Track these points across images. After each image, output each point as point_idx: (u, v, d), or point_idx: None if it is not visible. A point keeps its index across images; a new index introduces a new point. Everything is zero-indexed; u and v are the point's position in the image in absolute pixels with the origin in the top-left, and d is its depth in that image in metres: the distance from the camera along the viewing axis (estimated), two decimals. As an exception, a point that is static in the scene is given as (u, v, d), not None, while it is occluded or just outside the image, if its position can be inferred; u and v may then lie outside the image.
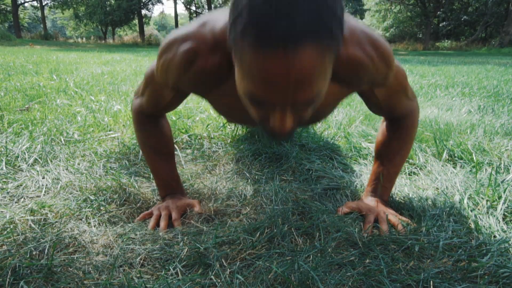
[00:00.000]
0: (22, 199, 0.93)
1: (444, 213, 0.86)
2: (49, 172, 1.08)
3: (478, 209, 0.88)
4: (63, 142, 1.37)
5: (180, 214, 0.88)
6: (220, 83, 0.68)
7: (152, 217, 0.86)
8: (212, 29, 0.64)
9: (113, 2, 24.05)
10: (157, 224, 0.83)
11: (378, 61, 0.67)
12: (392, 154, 0.89)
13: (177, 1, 26.46)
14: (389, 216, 0.85)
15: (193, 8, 26.58)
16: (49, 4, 25.54)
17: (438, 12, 21.36)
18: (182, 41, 0.66)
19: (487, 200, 0.91)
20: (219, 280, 0.63)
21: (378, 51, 0.67)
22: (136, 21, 26.78)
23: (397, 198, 0.97)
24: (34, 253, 0.69)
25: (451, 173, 1.11)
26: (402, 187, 1.03)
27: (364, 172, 1.16)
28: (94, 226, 0.80)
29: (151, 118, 0.90)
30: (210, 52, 0.64)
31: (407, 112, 0.85)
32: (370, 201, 0.91)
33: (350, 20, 0.66)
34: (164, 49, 0.69)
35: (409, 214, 0.88)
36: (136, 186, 1.02)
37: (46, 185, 1.00)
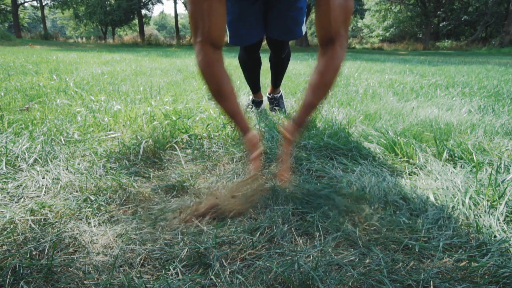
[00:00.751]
0: (22, 199, 0.93)
1: (444, 213, 0.86)
2: (49, 172, 1.08)
3: (479, 209, 0.88)
4: (63, 142, 1.37)
5: (255, 149, 1.04)
6: None
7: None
8: None
9: (113, 2, 24.05)
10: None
11: None
12: (324, 85, 1.03)
13: (177, 1, 26.44)
14: (283, 158, 1.03)
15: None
16: (49, 4, 25.53)
17: (438, 12, 21.36)
18: None
19: (487, 200, 0.91)
20: (219, 280, 0.63)
21: None
22: (136, 21, 26.79)
23: (397, 198, 0.96)
24: (34, 253, 0.69)
25: (451, 173, 1.11)
26: (403, 187, 1.03)
27: (364, 172, 1.16)
28: (94, 226, 0.80)
29: (214, 51, 1.01)
30: None
31: (339, 36, 0.99)
32: (288, 127, 1.05)
33: None
34: None
35: (409, 213, 0.88)
36: (136, 186, 1.01)
37: (46, 185, 1.00)
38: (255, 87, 2.08)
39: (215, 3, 0.96)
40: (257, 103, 2.16)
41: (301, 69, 5.02)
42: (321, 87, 1.03)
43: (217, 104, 1.08)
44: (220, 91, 1.04)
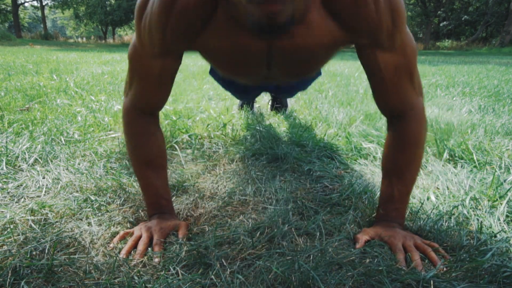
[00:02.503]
0: (23, 199, 0.93)
1: (445, 213, 0.86)
2: (50, 172, 1.08)
3: (479, 209, 0.88)
4: (63, 142, 1.37)
5: (164, 236, 0.76)
6: (206, 21, 0.65)
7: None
8: None
9: (113, 2, 24.06)
10: (134, 247, 0.73)
11: (383, 6, 0.62)
12: (400, 170, 0.78)
13: (177, 1, 26.36)
14: (419, 244, 0.72)
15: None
16: (49, 4, 25.54)
17: (439, 12, 21.35)
18: None
19: (488, 200, 0.91)
20: (219, 280, 0.63)
21: None
22: (136, 21, 26.71)
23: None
24: (34, 253, 0.69)
25: (451, 173, 1.11)
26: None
27: (365, 172, 1.16)
28: (95, 226, 0.80)
29: (143, 119, 0.82)
30: None
31: (411, 106, 0.76)
32: (388, 227, 0.78)
33: None
34: (141, 7, 0.68)
35: (409, 213, 0.88)
36: (136, 186, 1.02)
37: (47, 185, 1.00)
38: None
39: (169, 69, 0.76)
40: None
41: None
42: (397, 174, 0.78)
43: (140, 176, 0.83)
44: (147, 161, 0.82)
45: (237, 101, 2.18)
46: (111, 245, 0.74)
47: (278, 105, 2.06)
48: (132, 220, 0.86)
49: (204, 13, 0.64)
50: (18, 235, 0.75)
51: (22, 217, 0.81)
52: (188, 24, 0.65)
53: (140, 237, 0.75)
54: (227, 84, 1.40)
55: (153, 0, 0.65)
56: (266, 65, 0.75)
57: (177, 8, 0.63)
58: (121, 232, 0.77)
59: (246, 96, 1.68)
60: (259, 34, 0.59)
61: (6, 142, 1.27)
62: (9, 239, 0.73)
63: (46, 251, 0.70)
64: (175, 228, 0.80)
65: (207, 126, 1.62)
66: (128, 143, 0.84)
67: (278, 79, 0.87)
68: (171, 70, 0.77)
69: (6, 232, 0.76)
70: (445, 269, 0.66)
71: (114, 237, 0.77)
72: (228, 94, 2.58)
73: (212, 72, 1.34)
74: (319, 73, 1.37)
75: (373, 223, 0.82)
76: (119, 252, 0.71)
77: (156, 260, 0.69)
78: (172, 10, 0.63)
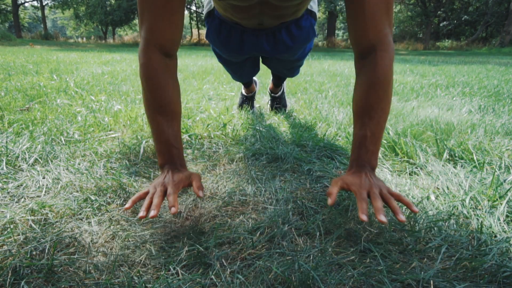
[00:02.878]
0: (23, 199, 0.93)
1: (444, 213, 0.86)
2: (50, 172, 1.08)
3: (479, 209, 0.88)
4: (63, 142, 1.37)
5: (178, 189, 0.77)
6: None
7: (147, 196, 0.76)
8: None
9: (113, 2, 24.06)
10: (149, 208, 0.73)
11: None
12: (372, 109, 0.78)
13: (178, 1, 26.36)
14: (384, 193, 0.73)
15: (193, 8, 26.57)
16: (49, 4, 25.55)
17: (439, 12, 21.35)
18: None
19: (488, 200, 0.91)
20: (219, 280, 0.63)
21: None
22: (136, 21, 26.78)
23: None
24: (34, 253, 0.69)
25: (451, 173, 1.11)
26: (403, 187, 1.03)
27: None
28: (95, 226, 0.80)
29: (159, 59, 0.81)
30: None
31: (383, 38, 0.77)
32: (357, 173, 0.78)
33: None
34: None
35: (409, 213, 0.88)
36: (137, 186, 1.02)
37: (47, 185, 1.00)
38: (247, 82, 1.93)
39: (177, 4, 0.78)
40: (250, 98, 2.04)
41: (302, 68, 5.02)
42: (369, 113, 0.79)
43: (152, 123, 0.84)
44: (161, 105, 0.82)
45: (237, 101, 2.18)
46: (127, 205, 0.74)
47: (278, 105, 2.06)
48: (132, 220, 0.86)
49: None
50: (18, 235, 0.75)
51: (22, 217, 0.81)
52: None
53: (155, 193, 0.76)
54: (227, 62, 1.50)
55: None
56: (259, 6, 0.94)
57: None
58: (135, 195, 0.78)
59: (244, 72, 1.67)
60: None
61: (6, 142, 1.27)
62: (9, 239, 0.73)
63: (46, 251, 0.70)
64: (189, 179, 0.81)
65: (207, 126, 1.62)
66: (144, 86, 0.83)
67: (268, 16, 1.07)
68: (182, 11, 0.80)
69: (6, 232, 0.76)
70: (405, 220, 0.67)
71: (114, 237, 0.77)
72: (228, 94, 2.58)
73: (216, 52, 1.48)
74: (310, 47, 1.49)
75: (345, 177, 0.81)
76: (117, 252, 0.71)
77: (173, 210, 0.71)
78: None
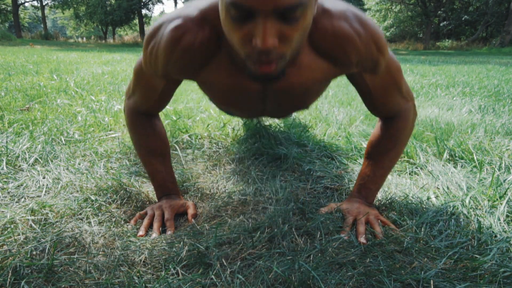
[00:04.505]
0: (23, 199, 0.93)
1: (445, 213, 0.86)
2: (50, 172, 1.08)
3: (479, 209, 0.88)
4: (63, 142, 1.37)
5: (174, 213, 0.86)
6: (209, 59, 0.69)
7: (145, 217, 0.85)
8: (197, 6, 0.67)
9: (113, 1, 24.06)
10: (150, 226, 0.82)
11: (366, 39, 0.67)
12: (380, 155, 0.87)
13: (177, 1, 26.44)
14: (370, 218, 0.82)
15: (194, 7, 26.44)
16: (49, 4, 25.55)
17: (439, 12, 21.35)
18: (168, 22, 0.67)
19: (488, 200, 0.91)
20: (219, 280, 0.63)
21: (366, 29, 0.67)
22: (136, 21, 26.80)
23: (397, 198, 0.96)
24: (34, 253, 0.69)
25: (452, 173, 1.11)
26: (403, 186, 1.03)
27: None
28: (95, 226, 0.80)
29: (144, 117, 0.89)
30: (198, 27, 0.65)
31: (400, 111, 0.84)
32: (353, 202, 0.88)
33: (340, 1, 0.69)
34: (151, 35, 0.71)
35: (409, 213, 0.88)
36: (137, 186, 1.02)
37: (47, 185, 1.00)
38: None
39: (170, 88, 0.82)
40: None
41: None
42: (377, 158, 0.88)
43: (146, 164, 0.91)
44: (151, 150, 0.90)
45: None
46: (129, 225, 0.83)
47: None
48: (131, 219, 0.86)
49: (208, 52, 0.68)
50: (19, 235, 0.75)
51: (23, 217, 0.81)
52: (190, 61, 0.68)
53: (153, 215, 0.85)
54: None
55: (163, 32, 0.68)
56: (262, 103, 0.81)
57: (182, 45, 0.66)
58: (137, 214, 0.86)
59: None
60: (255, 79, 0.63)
61: (7, 142, 1.27)
62: (10, 239, 0.73)
63: (47, 251, 0.70)
64: (184, 206, 0.89)
65: (207, 126, 1.62)
66: (132, 136, 0.92)
67: (273, 114, 0.96)
68: (172, 89, 0.83)
69: (6, 232, 0.76)
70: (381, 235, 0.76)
71: (114, 237, 0.77)
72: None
73: None
74: None
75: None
76: (117, 252, 0.71)
77: (169, 232, 0.80)
78: (177, 46, 0.66)
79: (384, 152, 0.87)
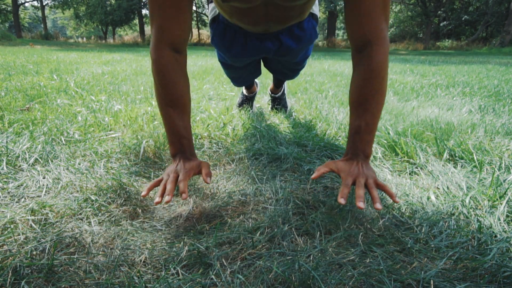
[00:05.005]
0: (23, 199, 0.93)
1: (445, 213, 0.86)
2: (50, 172, 1.09)
3: (479, 209, 0.88)
4: (63, 142, 1.37)
5: (188, 176, 0.85)
6: None
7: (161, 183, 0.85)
8: None
9: (113, 2, 24.07)
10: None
11: None
12: (367, 102, 0.84)
13: (178, 1, 26.37)
14: (368, 182, 0.78)
15: (193, 8, 26.56)
16: (49, 4, 25.56)
17: (439, 12, 21.35)
18: None
19: (488, 200, 0.91)
20: (219, 280, 0.63)
21: None
22: (136, 21, 26.81)
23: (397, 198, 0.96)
24: (34, 253, 0.69)
25: (452, 173, 1.11)
26: (403, 187, 1.03)
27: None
28: (95, 226, 0.80)
29: (170, 56, 0.87)
30: None
31: (379, 38, 0.82)
32: (350, 160, 0.84)
33: None
34: None
35: (409, 213, 0.88)
36: (137, 186, 1.02)
37: (47, 185, 1.00)
38: (247, 85, 1.94)
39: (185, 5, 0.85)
40: (250, 98, 2.03)
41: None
42: (364, 105, 0.84)
43: (164, 116, 0.90)
44: (172, 99, 0.89)
45: (237, 101, 2.18)
46: (143, 193, 0.83)
47: (278, 105, 2.06)
48: (131, 219, 0.86)
49: None
50: (19, 235, 0.75)
51: (23, 217, 0.81)
52: None
53: (168, 180, 0.84)
54: (231, 68, 1.53)
55: None
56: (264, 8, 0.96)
57: None
58: (151, 183, 0.86)
59: (246, 77, 1.68)
60: None
61: (7, 142, 1.27)
62: (10, 239, 0.73)
63: (47, 251, 0.70)
64: (199, 167, 0.89)
65: (207, 126, 1.62)
66: (155, 81, 0.90)
67: (273, 21, 1.07)
68: (186, 4, 0.85)
69: (6, 232, 0.76)
70: (380, 208, 0.73)
71: (114, 237, 0.77)
72: (228, 94, 2.58)
73: (220, 58, 1.52)
74: (310, 50, 1.51)
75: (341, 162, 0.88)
76: (117, 252, 0.71)
77: (184, 195, 0.80)
78: None
79: (371, 96, 0.84)
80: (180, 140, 0.90)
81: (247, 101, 2.05)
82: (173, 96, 0.89)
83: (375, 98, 0.84)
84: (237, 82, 1.76)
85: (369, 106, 0.84)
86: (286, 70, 1.63)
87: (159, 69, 0.88)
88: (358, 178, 0.80)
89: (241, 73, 1.62)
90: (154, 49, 0.87)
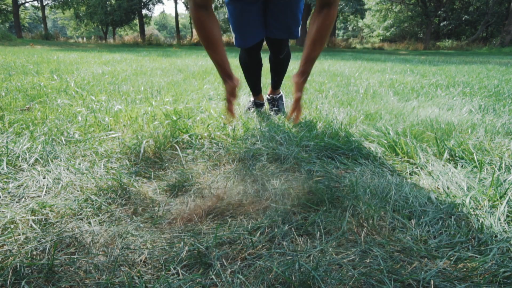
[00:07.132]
0: (23, 199, 0.93)
1: (445, 213, 0.86)
2: (50, 172, 1.09)
3: (479, 209, 0.88)
4: (64, 142, 1.37)
5: (234, 96, 1.27)
6: None
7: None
8: None
9: (113, 2, 24.08)
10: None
11: None
12: (321, 39, 1.23)
13: (178, 1, 26.44)
14: (294, 98, 1.26)
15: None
16: (49, 4, 25.57)
17: (439, 12, 21.34)
18: None
19: (488, 200, 0.91)
20: (219, 280, 0.63)
21: None
22: (136, 21, 26.82)
23: (397, 198, 0.96)
24: (35, 253, 0.69)
25: (452, 173, 1.11)
26: (403, 187, 1.03)
27: (365, 172, 1.16)
28: (95, 226, 0.80)
29: (203, 13, 1.18)
30: None
31: (336, 0, 1.18)
32: (302, 76, 1.27)
33: None
34: None
35: (409, 213, 0.88)
36: (137, 186, 1.02)
37: (47, 185, 1.00)
38: (255, 88, 2.09)
39: None
40: (258, 104, 2.15)
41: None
42: (319, 41, 1.25)
43: (207, 51, 1.28)
44: (209, 39, 1.24)
45: (246, 104, 2.19)
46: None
47: (276, 108, 2.09)
48: (132, 219, 0.86)
49: None
50: (19, 235, 0.75)
51: (23, 217, 0.81)
52: None
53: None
54: (232, 13, 1.76)
55: None
56: None
57: None
58: (230, 106, 1.29)
59: (249, 30, 1.78)
60: None
61: (7, 142, 1.28)
62: (10, 239, 0.73)
63: (47, 251, 0.70)
64: (235, 84, 1.27)
65: (208, 126, 1.62)
66: (198, 32, 1.23)
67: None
68: None
69: (6, 232, 0.76)
70: (289, 118, 1.28)
71: (115, 237, 0.77)
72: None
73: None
74: (298, 22, 1.79)
75: (296, 75, 1.29)
76: (117, 252, 0.71)
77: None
78: None
79: (323, 36, 1.23)
80: (222, 66, 1.27)
81: (255, 107, 2.11)
82: (208, 39, 1.23)
83: (324, 39, 1.25)
84: (242, 36, 1.81)
85: (322, 42, 1.25)
86: (284, 24, 1.77)
87: (197, 25, 1.22)
88: (298, 95, 1.28)
89: (245, 19, 1.73)
90: (192, 12, 1.21)
